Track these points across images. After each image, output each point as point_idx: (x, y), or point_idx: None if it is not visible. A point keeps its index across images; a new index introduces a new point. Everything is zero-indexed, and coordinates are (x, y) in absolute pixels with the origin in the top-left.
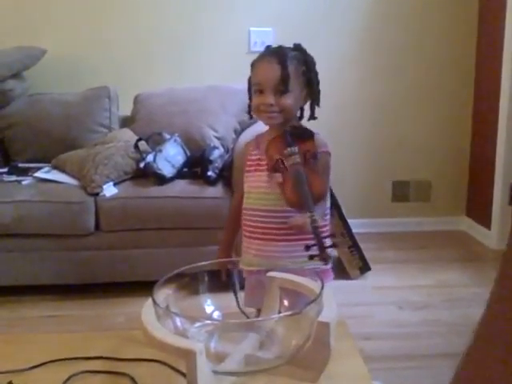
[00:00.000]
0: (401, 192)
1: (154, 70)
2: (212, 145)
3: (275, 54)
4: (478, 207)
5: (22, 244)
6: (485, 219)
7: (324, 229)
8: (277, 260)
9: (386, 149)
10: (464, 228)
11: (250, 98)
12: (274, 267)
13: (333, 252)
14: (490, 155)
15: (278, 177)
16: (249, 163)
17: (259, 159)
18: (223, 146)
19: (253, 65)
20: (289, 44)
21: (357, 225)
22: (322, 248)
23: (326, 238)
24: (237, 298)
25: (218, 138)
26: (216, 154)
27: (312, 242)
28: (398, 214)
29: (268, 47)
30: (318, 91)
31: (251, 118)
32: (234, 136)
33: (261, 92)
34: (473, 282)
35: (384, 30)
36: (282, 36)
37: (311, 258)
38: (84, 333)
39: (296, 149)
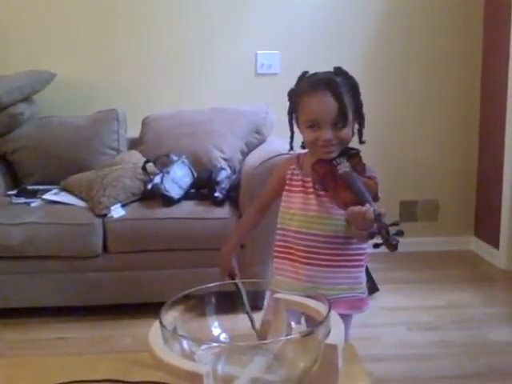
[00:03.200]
0: (408, 212)
1: (162, 92)
2: (219, 166)
3: (326, 85)
4: (486, 227)
5: (30, 266)
6: (493, 239)
7: (363, 256)
8: (319, 286)
9: (393, 168)
10: (472, 248)
11: (292, 129)
12: (314, 294)
13: (398, 239)
14: (498, 174)
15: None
16: (292, 183)
17: (303, 180)
18: (230, 167)
19: (300, 98)
20: (296, 67)
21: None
22: (388, 234)
23: (390, 225)
24: (251, 319)
25: (225, 160)
26: (223, 175)
27: (376, 231)
28: (405, 234)
29: (312, 76)
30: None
31: (292, 149)
32: (240, 157)
33: (314, 126)
34: (482, 302)
35: (391, 52)
36: (288, 59)
37: (377, 246)
38: (91, 355)
39: (345, 159)
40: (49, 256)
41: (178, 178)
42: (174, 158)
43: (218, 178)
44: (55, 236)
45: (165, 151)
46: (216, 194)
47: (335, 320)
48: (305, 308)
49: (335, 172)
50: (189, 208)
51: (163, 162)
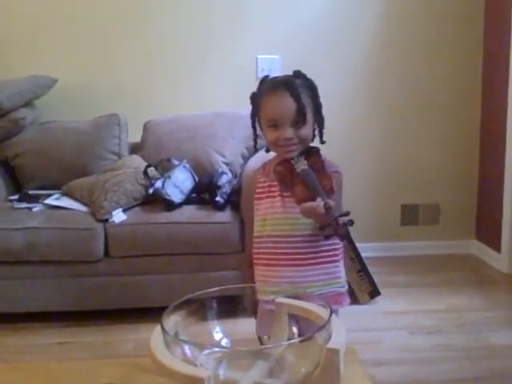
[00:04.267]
0: (410, 215)
1: (163, 97)
2: (220, 170)
3: (285, 86)
4: (488, 230)
5: (32, 271)
6: (495, 242)
7: (338, 251)
8: (297, 285)
9: (394, 172)
10: (474, 251)
11: (255, 132)
12: (293, 293)
13: (347, 229)
14: (499, 178)
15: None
16: (259, 190)
17: (269, 186)
18: (231, 171)
19: (261, 100)
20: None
21: (366, 249)
22: (337, 225)
23: (339, 216)
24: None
25: (226, 164)
26: (224, 179)
27: (326, 222)
28: (407, 238)
29: (272, 79)
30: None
31: (256, 150)
32: (241, 161)
33: (275, 126)
34: (484, 306)
35: (391, 56)
36: (288, 63)
37: (327, 237)
38: (92, 360)
39: (302, 157)
40: (50, 261)
41: (179, 183)
42: (176, 162)
43: (219, 183)
44: (57, 241)
45: (166, 156)
46: (217, 199)
47: (336, 324)
48: (306, 313)
49: (294, 171)
50: (190, 212)
51: (164, 167)
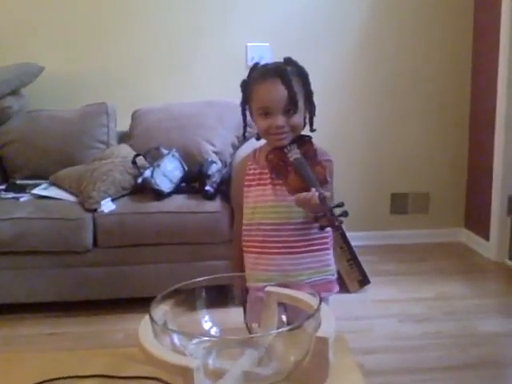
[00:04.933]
0: (399, 204)
1: (152, 85)
2: (210, 159)
3: (276, 73)
4: (477, 219)
5: (20, 261)
6: (483, 230)
7: (328, 239)
8: (287, 273)
9: (384, 161)
10: (463, 239)
11: (245, 120)
12: (284, 281)
13: (342, 220)
14: (488, 167)
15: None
16: (249, 178)
17: (260, 173)
18: (221, 160)
19: (251, 87)
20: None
21: (355, 238)
22: (332, 215)
23: (334, 207)
24: (245, 312)
25: (215, 153)
26: (214, 168)
27: (321, 214)
28: (396, 227)
29: (262, 67)
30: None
31: (245, 138)
32: (231, 150)
33: (266, 114)
34: (473, 293)
35: (382, 44)
36: (278, 51)
37: (322, 227)
38: (81, 351)
39: (295, 146)
40: (39, 251)
41: (168, 172)
42: (165, 151)
43: (209, 172)
44: (45, 231)
45: (155, 145)
46: (207, 188)
47: (325, 313)
48: (296, 301)
49: (286, 160)
50: (179, 202)
51: (153, 156)
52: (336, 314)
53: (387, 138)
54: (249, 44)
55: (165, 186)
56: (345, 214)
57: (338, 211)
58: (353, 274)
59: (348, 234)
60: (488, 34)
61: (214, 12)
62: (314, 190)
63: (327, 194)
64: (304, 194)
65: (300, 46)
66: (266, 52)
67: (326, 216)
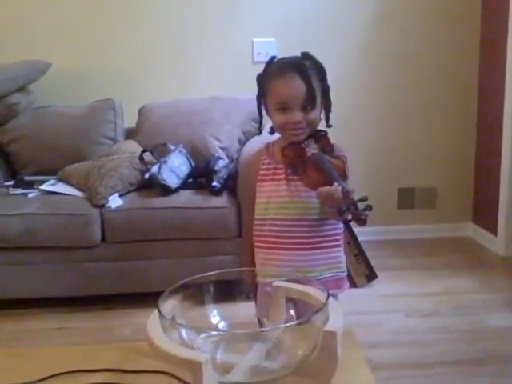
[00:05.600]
0: (406, 199)
1: (159, 81)
2: (216, 155)
3: (295, 68)
4: (484, 213)
5: (28, 257)
6: (491, 225)
7: (340, 236)
8: (299, 269)
9: (390, 156)
10: (470, 234)
11: (260, 114)
12: (296, 277)
13: (367, 215)
14: (495, 161)
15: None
16: (262, 172)
17: (275, 168)
18: (228, 156)
19: (269, 82)
20: (291, 54)
21: (362, 233)
22: (357, 210)
23: (358, 201)
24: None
25: (222, 149)
26: (221, 164)
27: (345, 207)
28: (403, 221)
29: (280, 61)
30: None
31: (260, 133)
32: (238, 146)
33: (283, 109)
34: (480, 288)
35: (389, 38)
36: (285, 46)
37: (348, 221)
38: (90, 345)
39: (312, 141)
40: (47, 247)
41: (175, 168)
42: (172, 147)
43: (216, 167)
44: (53, 227)
45: (162, 141)
46: (214, 184)
47: (334, 307)
48: (304, 296)
49: (304, 155)
50: (186, 197)
51: (160, 152)
52: (344, 309)
53: (394, 132)
54: (255, 39)
55: (172, 181)
56: (369, 207)
57: (361, 205)
58: (360, 269)
59: (355, 229)
60: (496, 32)
61: (219, 8)
62: (336, 184)
63: (350, 187)
64: (327, 188)
65: (306, 41)
66: (272, 47)
67: (349, 210)
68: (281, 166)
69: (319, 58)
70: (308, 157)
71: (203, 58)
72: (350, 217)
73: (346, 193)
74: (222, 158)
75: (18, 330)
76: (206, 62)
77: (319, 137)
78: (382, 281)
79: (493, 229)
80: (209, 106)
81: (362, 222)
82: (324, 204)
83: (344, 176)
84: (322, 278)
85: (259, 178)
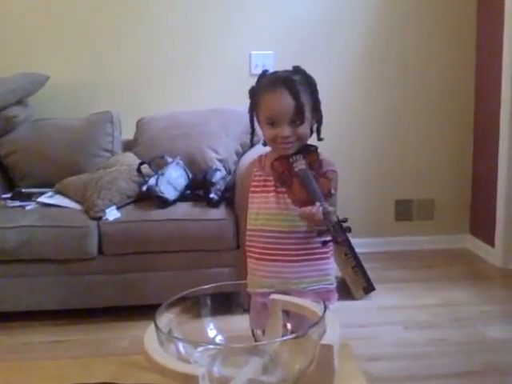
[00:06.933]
0: (404, 211)
1: (156, 94)
2: (214, 167)
3: (284, 84)
4: (482, 225)
5: (26, 269)
6: (489, 237)
7: (329, 249)
8: (287, 280)
9: (388, 168)
10: (468, 246)
11: (252, 127)
12: (283, 288)
13: (346, 236)
14: (493, 172)
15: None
16: (254, 184)
17: (265, 180)
18: (225, 168)
19: (260, 95)
20: (289, 66)
21: (360, 244)
22: (336, 232)
23: (338, 222)
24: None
25: (220, 161)
26: (218, 176)
27: (324, 228)
28: (401, 233)
29: (271, 75)
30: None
31: (252, 145)
32: (235, 158)
33: (273, 124)
34: (479, 300)
35: (386, 52)
36: (282, 59)
37: (325, 242)
38: (86, 358)
39: (301, 156)
40: (44, 259)
41: (173, 180)
42: (169, 159)
43: (213, 179)
44: (50, 239)
45: (159, 153)
46: (211, 196)
47: (330, 320)
48: (300, 309)
49: (292, 169)
50: (184, 209)
51: (158, 164)
52: (341, 321)
53: (391, 143)
54: (253, 52)
55: (169, 193)
56: (348, 229)
57: (341, 227)
58: (358, 281)
59: (353, 241)
60: (493, 39)
61: (217, 20)
62: (318, 204)
63: (331, 209)
64: (309, 209)
65: (304, 53)
66: (270, 60)
67: (329, 231)
68: (271, 178)
69: (317, 70)
70: (295, 172)
71: (201, 71)
72: (328, 238)
73: (327, 213)
74: (219, 170)
75: (15, 343)
76: (203, 74)
77: (309, 152)
78: (380, 293)
79: (490, 240)
80: (206, 118)
81: (339, 244)
82: (308, 225)
83: (328, 195)
84: (309, 289)
85: (251, 189)
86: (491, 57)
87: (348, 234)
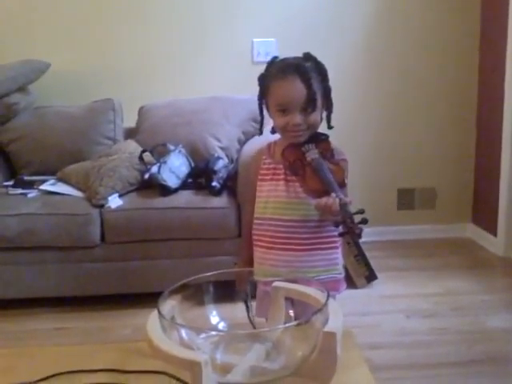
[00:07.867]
0: (406, 200)
1: (158, 81)
2: (216, 155)
3: (296, 71)
4: (484, 214)
5: (28, 257)
6: (491, 226)
7: (337, 238)
8: (296, 269)
9: (390, 157)
10: (470, 235)
11: (261, 114)
12: (291, 277)
13: (362, 228)
14: (495, 161)
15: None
16: (263, 172)
17: (274, 168)
18: (227, 156)
19: (269, 83)
20: (293, 55)
21: (362, 233)
22: (353, 223)
23: (354, 214)
24: (248, 307)
25: (222, 149)
26: (220, 164)
27: (341, 220)
28: (403, 222)
29: (281, 62)
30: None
31: (261, 133)
32: (237, 146)
33: (284, 111)
34: (480, 289)
35: (389, 38)
36: (285, 46)
37: (342, 234)
38: (89, 345)
39: (313, 145)
40: (46, 247)
41: (175, 168)
42: (171, 147)
43: (215, 168)
44: (52, 227)
45: (161, 141)
46: (213, 184)
47: (333, 308)
48: (303, 296)
49: (304, 159)
50: (186, 197)
51: (160, 152)
52: (343, 310)
53: (394, 133)
54: (255, 39)
55: (171, 181)
56: (364, 221)
57: (357, 218)
58: (360, 270)
59: None
60: (496, 27)
61: (219, 8)
62: (334, 195)
63: (348, 200)
64: (325, 200)
65: (306, 41)
66: (272, 48)
67: (345, 223)
68: (281, 166)
69: (319, 57)
70: (308, 161)
71: (203, 58)
72: (344, 229)
73: (343, 205)
74: (221, 158)
75: (17, 330)
76: (205, 62)
77: (320, 140)
78: (382, 281)
79: (492, 230)
80: (208, 106)
81: (356, 236)
82: (321, 215)
83: (343, 184)
84: (318, 279)
85: (260, 177)
86: (494, 45)
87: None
